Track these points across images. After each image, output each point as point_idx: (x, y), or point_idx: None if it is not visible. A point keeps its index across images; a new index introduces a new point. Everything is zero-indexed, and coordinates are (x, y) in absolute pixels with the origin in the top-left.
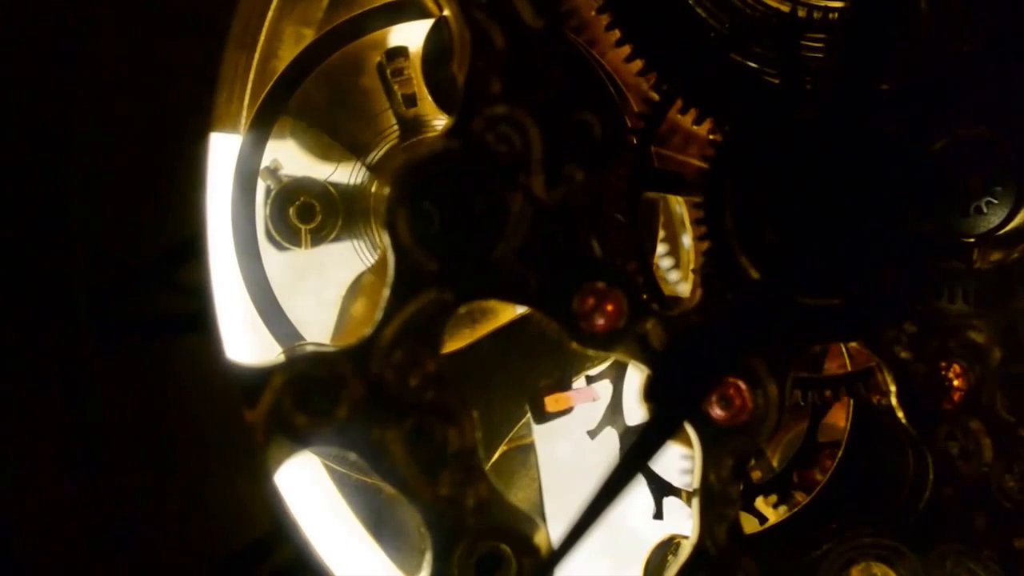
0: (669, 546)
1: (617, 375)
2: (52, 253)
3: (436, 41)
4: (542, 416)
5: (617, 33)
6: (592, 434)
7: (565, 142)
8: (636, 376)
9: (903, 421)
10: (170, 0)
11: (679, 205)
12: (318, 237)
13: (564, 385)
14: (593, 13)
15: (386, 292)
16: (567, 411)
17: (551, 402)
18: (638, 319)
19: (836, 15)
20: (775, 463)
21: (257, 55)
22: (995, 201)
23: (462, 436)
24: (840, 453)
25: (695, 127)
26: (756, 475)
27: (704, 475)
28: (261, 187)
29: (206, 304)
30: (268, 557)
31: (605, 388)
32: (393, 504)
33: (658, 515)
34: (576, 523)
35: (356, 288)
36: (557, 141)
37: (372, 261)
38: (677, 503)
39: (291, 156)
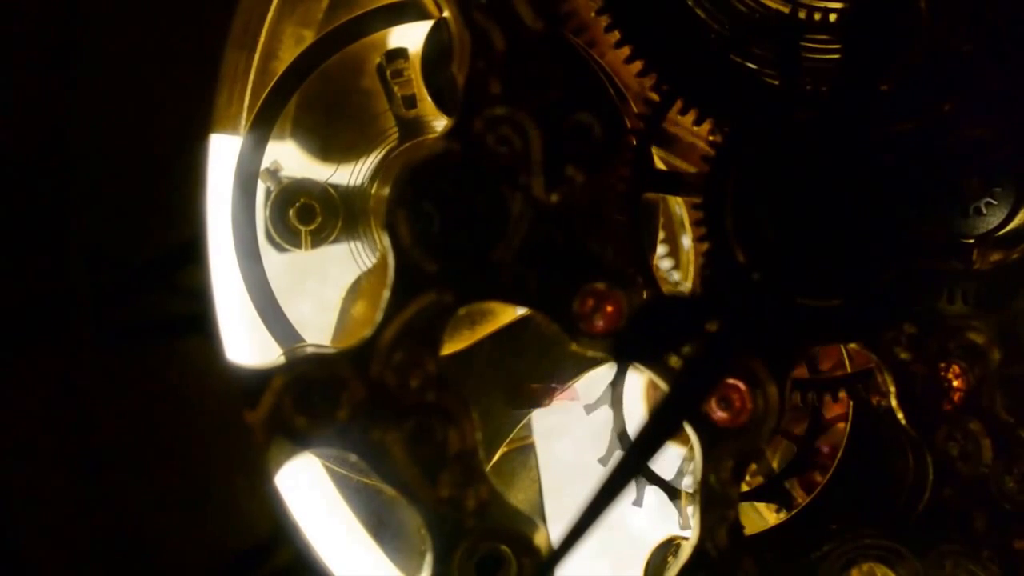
0: (669, 547)
1: (617, 375)
2: (52, 254)
3: (436, 42)
4: (520, 401)
5: (617, 34)
6: (588, 409)
7: (565, 143)
8: (636, 377)
9: (903, 422)
10: (170, 0)
11: (679, 206)
12: (318, 238)
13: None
14: (593, 14)
15: (386, 293)
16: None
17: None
18: None
19: (836, 16)
20: (775, 464)
21: (257, 56)
22: (994, 202)
23: (462, 437)
24: (840, 454)
25: (695, 128)
26: (757, 480)
27: (704, 476)
28: (261, 188)
29: (206, 305)
30: (268, 559)
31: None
32: (393, 505)
33: (645, 507)
34: (576, 524)
35: (356, 289)
36: (557, 142)
37: (372, 262)
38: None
39: (291, 157)
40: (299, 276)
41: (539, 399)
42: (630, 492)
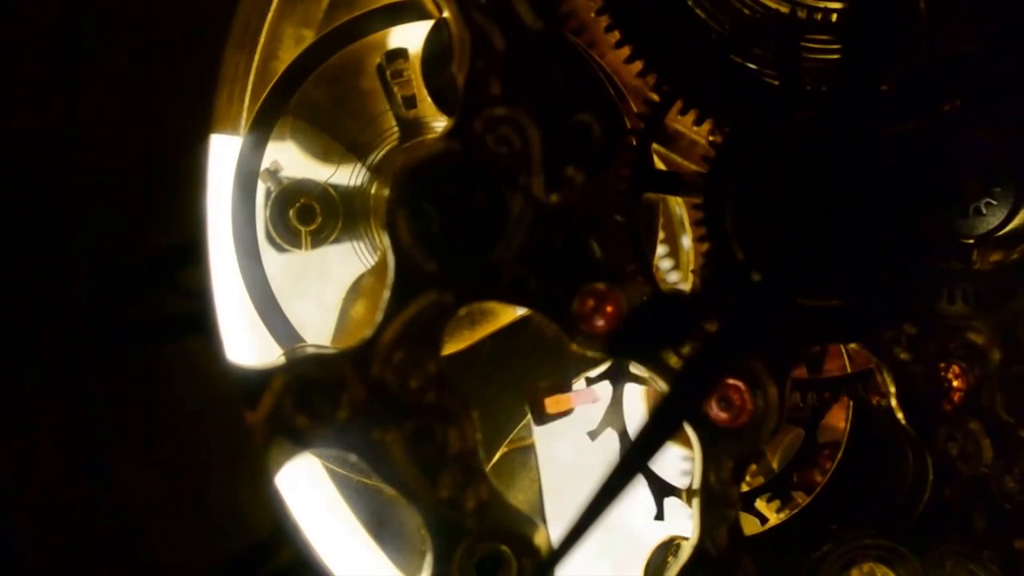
0: (669, 547)
1: (617, 377)
2: (52, 254)
3: (436, 43)
4: (542, 418)
5: (617, 34)
6: (592, 435)
7: (565, 143)
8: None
9: (903, 422)
10: (170, 0)
11: (679, 206)
12: (318, 239)
13: (564, 386)
14: (593, 14)
15: (386, 294)
16: (567, 412)
17: (551, 403)
18: None
19: (836, 16)
20: (775, 464)
21: (257, 56)
22: (994, 202)
23: (462, 437)
24: (840, 454)
25: (695, 128)
26: (758, 480)
27: (704, 476)
28: (261, 189)
29: (206, 306)
30: (269, 559)
31: (605, 389)
32: (394, 506)
33: (659, 516)
34: (576, 524)
35: (356, 290)
36: (557, 142)
37: (372, 263)
38: (677, 504)
39: (291, 158)
40: (299, 276)
41: (561, 406)
42: (634, 496)
